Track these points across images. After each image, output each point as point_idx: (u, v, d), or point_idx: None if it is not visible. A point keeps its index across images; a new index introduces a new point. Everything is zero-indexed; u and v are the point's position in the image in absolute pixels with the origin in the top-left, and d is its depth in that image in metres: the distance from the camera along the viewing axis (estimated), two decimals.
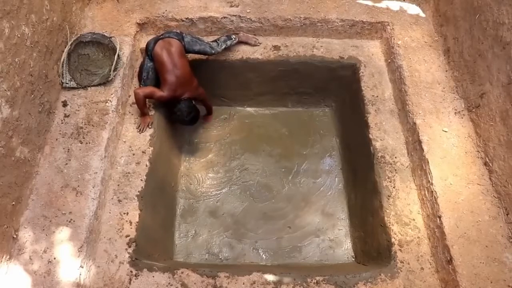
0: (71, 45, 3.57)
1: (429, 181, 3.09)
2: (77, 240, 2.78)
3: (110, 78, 3.51)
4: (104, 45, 3.71)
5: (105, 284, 2.80)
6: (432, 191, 3.03)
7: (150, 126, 3.60)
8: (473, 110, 3.34)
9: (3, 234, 2.64)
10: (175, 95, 3.59)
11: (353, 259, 3.70)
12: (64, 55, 3.49)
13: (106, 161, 3.20)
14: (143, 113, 3.57)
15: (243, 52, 4.13)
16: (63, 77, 3.44)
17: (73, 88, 3.47)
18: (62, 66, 3.45)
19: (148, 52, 3.58)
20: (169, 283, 2.81)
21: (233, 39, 4.00)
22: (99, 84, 3.51)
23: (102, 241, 2.98)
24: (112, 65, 3.54)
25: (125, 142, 3.50)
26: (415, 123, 3.39)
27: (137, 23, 4.01)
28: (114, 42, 3.66)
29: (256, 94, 4.55)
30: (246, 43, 4.13)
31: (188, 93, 3.66)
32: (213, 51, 3.79)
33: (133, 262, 2.90)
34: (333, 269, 3.44)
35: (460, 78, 3.55)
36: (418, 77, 3.67)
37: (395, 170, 3.38)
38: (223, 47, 3.89)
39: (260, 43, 4.15)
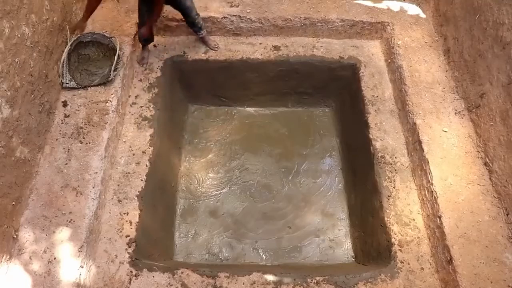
0: (71, 45, 3.57)
1: (429, 181, 3.09)
2: (77, 240, 2.78)
3: (110, 78, 3.51)
4: (104, 45, 3.71)
5: (105, 284, 2.81)
6: (432, 191, 3.03)
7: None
8: (473, 110, 3.34)
9: (3, 234, 2.64)
10: None
11: (353, 259, 3.70)
12: (64, 55, 3.49)
13: (106, 161, 3.20)
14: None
15: (243, 52, 4.13)
16: (63, 77, 3.45)
17: (73, 88, 3.47)
18: (62, 66, 3.45)
19: None
20: (169, 283, 2.81)
21: (203, 27, 3.95)
22: (99, 84, 3.51)
23: (102, 241, 2.98)
24: (112, 65, 3.54)
25: (125, 142, 3.50)
26: (415, 123, 3.39)
27: (137, 23, 4.00)
28: (114, 42, 3.66)
29: (256, 94, 4.55)
30: (206, 43, 4.12)
31: None
32: (194, 12, 3.68)
33: (133, 262, 2.90)
34: (333, 269, 3.44)
35: (460, 78, 3.55)
36: (418, 77, 3.67)
37: (395, 170, 3.38)
38: (200, 18, 3.81)
39: (218, 48, 4.13)
